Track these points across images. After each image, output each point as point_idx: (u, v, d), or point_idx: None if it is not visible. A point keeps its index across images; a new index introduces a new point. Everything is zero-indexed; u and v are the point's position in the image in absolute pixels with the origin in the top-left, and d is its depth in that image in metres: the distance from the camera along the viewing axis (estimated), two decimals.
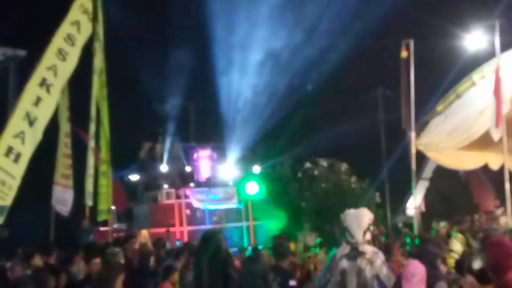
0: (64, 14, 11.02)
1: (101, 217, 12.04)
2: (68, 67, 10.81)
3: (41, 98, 10.08)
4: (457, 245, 10.16)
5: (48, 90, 10.25)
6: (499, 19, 13.22)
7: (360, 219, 5.33)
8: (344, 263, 5.22)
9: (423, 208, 21.65)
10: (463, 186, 22.36)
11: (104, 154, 11.91)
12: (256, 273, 5.49)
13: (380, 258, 5.31)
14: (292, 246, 9.97)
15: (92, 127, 11.57)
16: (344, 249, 5.33)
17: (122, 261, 7.34)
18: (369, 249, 5.27)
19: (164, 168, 19.91)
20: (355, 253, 5.25)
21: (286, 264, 6.29)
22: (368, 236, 5.39)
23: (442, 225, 14.76)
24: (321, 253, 12.37)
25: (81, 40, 11.22)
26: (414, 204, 16.69)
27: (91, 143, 11.60)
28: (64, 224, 12.56)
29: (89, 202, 11.38)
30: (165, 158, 20.26)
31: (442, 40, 16.65)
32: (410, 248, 9.07)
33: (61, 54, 10.63)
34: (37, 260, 7.98)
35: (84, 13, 11.36)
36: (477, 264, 7.02)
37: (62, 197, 12.32)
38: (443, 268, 6.34)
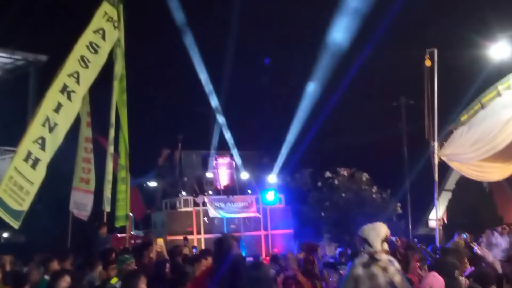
0: (87, 20, 11.02)
1: (118, 223, 12.02)
2: (90, 74, 10.77)
3: (62, 105, 10.04)
4: None
5: (69, 97, 10.23)
6: None
7: (377, 230, 5.55)
8: (359, 270, 5.37)
9: (445, 220, 21.35)
10: (486, 198, 21.95)
11: (123, 160, 11.88)
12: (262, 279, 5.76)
13: (394, 265, 5.40)
14: None
15: (112, 133, 11.54)
16: (363, 257, 5.50)
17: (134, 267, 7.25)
18: (384, 257, 5.40)
19: (182, 175, 19.85)
20: (370, 261, 5.39)
21: None
22: (386, 246, 5.54)
23: (464, 237, 14.47)
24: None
25: (106, 48, 11.13)
26: (436, 215, 16.42)
27: (110, 149, 11.59)
28: (82, 231, 12.55)
29: (107, 208, 11.37)
30: (184, 165, 20.20)
31: (467, 49, 16.39)
32: (430, 261, 8.86)
33: (84, 62, 10.61)
34: (55, 265, 7.94)
35: (108, 21, 11.29)
36: None
37: (81, 202, 12.34)
38: (464, 280, 6.17)
